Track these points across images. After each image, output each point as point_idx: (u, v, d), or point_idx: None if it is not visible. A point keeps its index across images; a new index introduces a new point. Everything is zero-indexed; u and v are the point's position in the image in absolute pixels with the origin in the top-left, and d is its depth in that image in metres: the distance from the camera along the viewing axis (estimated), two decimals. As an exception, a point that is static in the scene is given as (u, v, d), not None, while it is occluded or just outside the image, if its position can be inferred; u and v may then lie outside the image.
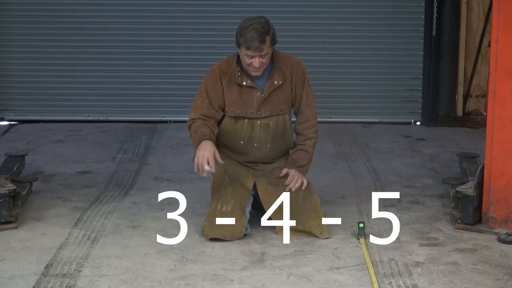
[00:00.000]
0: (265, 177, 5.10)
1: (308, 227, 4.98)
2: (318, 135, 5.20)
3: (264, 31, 4.83)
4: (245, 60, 4.89)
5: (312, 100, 5.14)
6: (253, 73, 4.94)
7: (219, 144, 5.13)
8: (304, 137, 5.13)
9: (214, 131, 5.02)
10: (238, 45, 4.89)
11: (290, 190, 5.02)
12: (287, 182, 5.04)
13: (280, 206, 5.01)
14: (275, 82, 5.00)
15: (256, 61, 4.86)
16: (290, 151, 5.21)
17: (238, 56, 4.98)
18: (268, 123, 5.04)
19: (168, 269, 4.51)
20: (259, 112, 5.01)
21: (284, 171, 5.07)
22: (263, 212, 5.11)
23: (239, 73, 4.99)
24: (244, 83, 4.98)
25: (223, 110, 5.04)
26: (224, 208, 4.94)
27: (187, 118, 5.14)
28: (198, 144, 4.90)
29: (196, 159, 4.90)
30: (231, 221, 4.90)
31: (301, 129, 5.14)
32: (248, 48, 4.82)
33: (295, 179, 5.04)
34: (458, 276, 4.41)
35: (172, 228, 5.16)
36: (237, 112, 5.01)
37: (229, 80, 5.01)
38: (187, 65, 8.36)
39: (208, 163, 4.85)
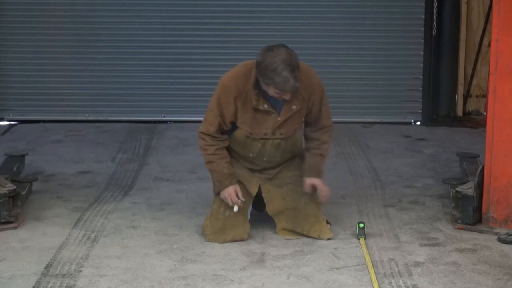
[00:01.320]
0: (269, 180, 5.07)
1: (306, 232, 4.98)
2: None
3: (294, 67, 4.61)
4: (274, 94, 4.70)
5: (329, 112, 5.01)
6: (280, 99, 4.77)
7: (229, 148, 4.99)
8: (319, 142, 5.01)
9: (226, 146, 4.94)
10: (266, 83, 4.66)
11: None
12: (322, 196, 4.99)
13: (282, 208, 5.00)
14: (293, 107, 4.84)
15: (288, 96, 4.70)
16: (305, 153, 5.07)
17: (257, 78, 4.72)
18: (280, 143, 4.94)
19: (168, 269, 4.51)
20: (274, 134, 4.89)
21: (308, 183, 4.96)
22: (263, 212, 5.12)
23: (256, 97, 4.78)
24: (260, 108, 4.81)
25: (234, 123, 4.90)
26: (227, 213, 4.93)
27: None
28: (219, 187, 4.91)
29: (224, 199, 4.92)
30: (234, 227, 4.92)
31: (316, 135, 5.02)
32: (282, 90, 4.63)
33: (324, 189, 4.98)
34: (458, 276, 4.41)
35: (172, 228, 5.16)
36: (251, 133, 4.87)
37: (244, 100, 4.80)
38: (187, 65, 8.37)
39: (235, 201, 4.89)
